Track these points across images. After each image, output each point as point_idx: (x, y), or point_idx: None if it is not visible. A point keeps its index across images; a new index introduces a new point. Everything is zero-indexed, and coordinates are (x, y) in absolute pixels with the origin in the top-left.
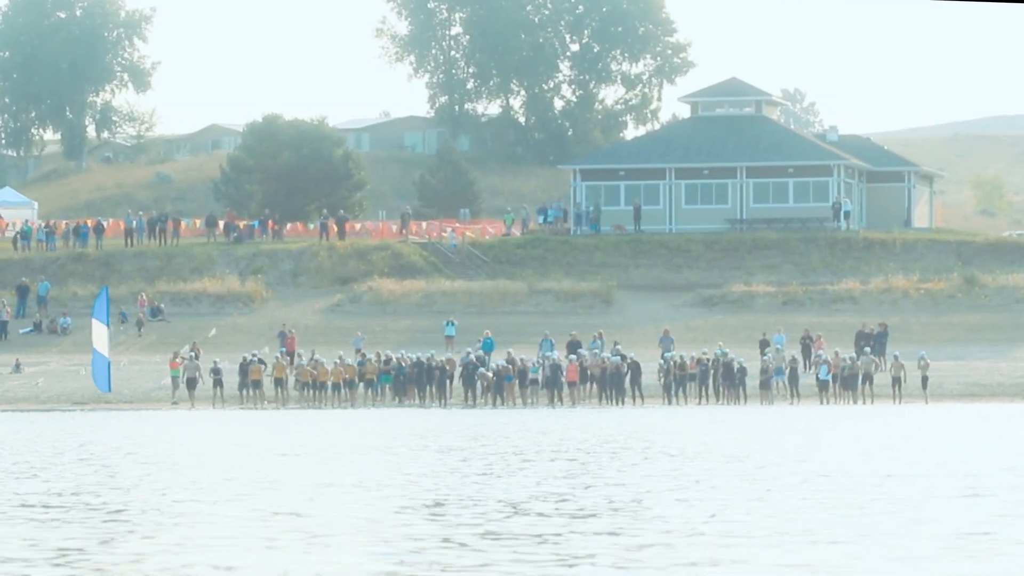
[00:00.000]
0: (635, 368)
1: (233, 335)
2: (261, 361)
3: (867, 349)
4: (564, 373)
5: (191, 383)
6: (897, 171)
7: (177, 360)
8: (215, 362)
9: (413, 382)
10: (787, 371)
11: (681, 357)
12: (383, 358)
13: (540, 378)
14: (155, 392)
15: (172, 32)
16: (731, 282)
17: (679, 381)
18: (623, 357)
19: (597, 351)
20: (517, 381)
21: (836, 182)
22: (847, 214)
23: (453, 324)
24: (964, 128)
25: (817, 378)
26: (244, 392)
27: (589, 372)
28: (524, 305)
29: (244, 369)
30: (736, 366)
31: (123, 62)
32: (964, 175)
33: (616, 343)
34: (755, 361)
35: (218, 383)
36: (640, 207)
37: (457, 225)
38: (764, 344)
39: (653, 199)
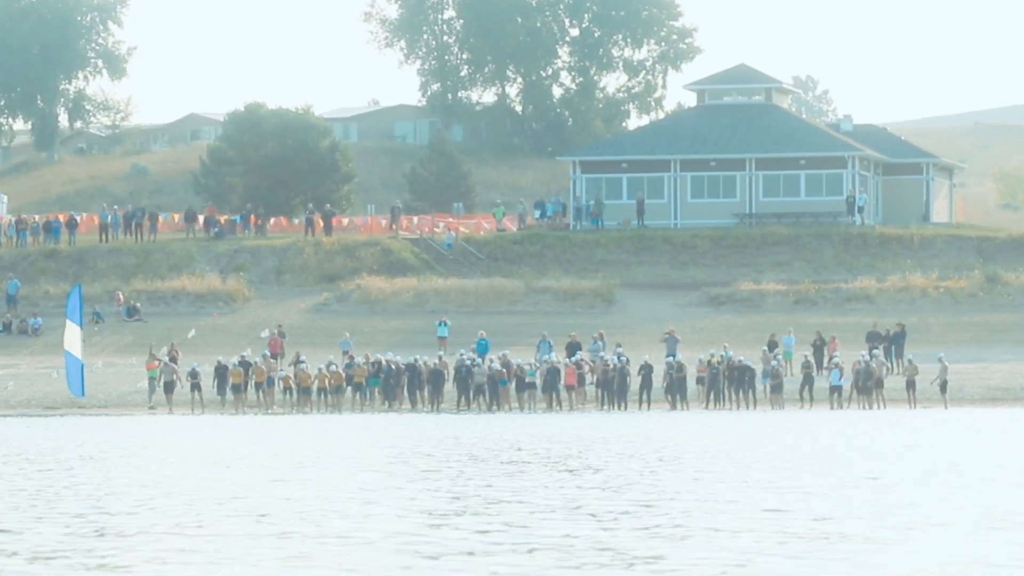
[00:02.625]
0: (647, 371)
1: (213, 336)
2: (247, 363)
3: (876, 352)
4: (562, 376)
5: (168, 387)
6: (915, 163)
7: (154, 361)
8: (193, 366)
9: (403, 386)
10: (801, 376)
11: (676, 360)
12: (371, 360)
13: (538, 381)
14: (131, 396)
15: (149, 16)
16: (739, 280)
17: (678, 385)
18: (628, 360)
19: (600, 353)
20: (513, 385)
21: (850, 174)
22: (862, 208)
23: (446, 325)
24: (985, 117)
25: (830, 383)
26: (222, 396)
27: (590, 375)
28: (521, 304)
29: (221, 373)
30: (747, 369)
31: (97, 48)
32: (986, 167)
33: (618, 344)
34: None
35: (196, 387)
36: (643, 201)
37: (451, 220)
38: (773, 345)
39: (657, 192)
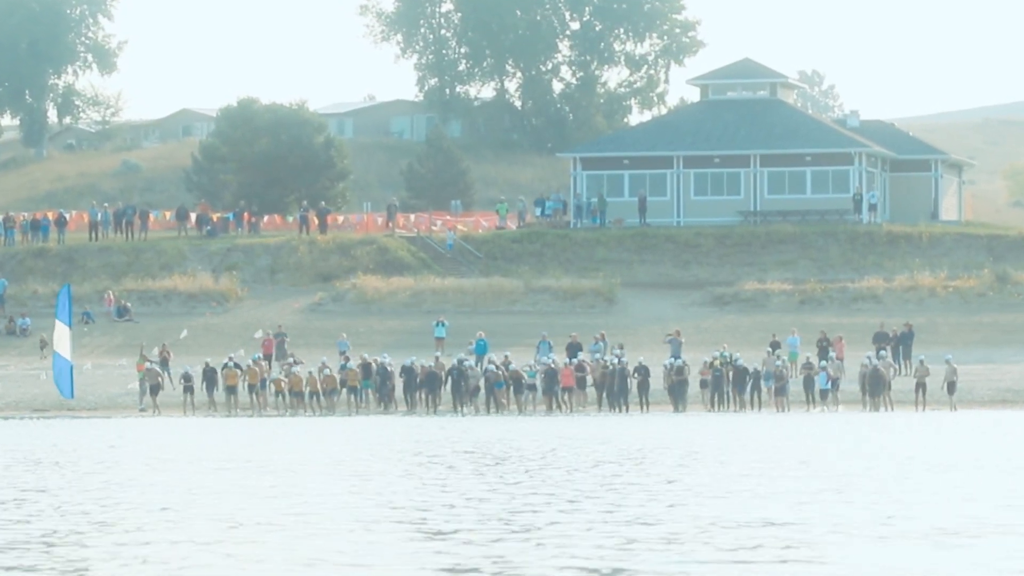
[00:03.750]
0: (644, 372)
1: (206, 337)
2: (236, 365)
3: (883, 352)
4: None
5: (154, 389)
6: (923, 159)
7: (145, 363)
8: (186, 369)
9: (393, 387)
10: (801, 377)
11: (677, 362)
12: (364, 362)
13: (538, 383)
14: (122, 398)
15: (139, 9)
16: (744, 279)
17: (678, 387)
18: (628, 361)
19: (599, 354)
20: (511, 387)
21: (857, 171)
22: (874, 206)
23: (444, 325)
24: (995, 113)
25: (819, 386)
26: (211, 398)
27: (590, 376)
28: (520, 304)
29: (210, 375)
30: (751, 370)
31: (87, 41)
32: (995, 164)
33: (620, 345)
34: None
35: (188, 389)
36: (645, 198)
37: (449, 218)
38: (776, 346)
39: (659, 190)
